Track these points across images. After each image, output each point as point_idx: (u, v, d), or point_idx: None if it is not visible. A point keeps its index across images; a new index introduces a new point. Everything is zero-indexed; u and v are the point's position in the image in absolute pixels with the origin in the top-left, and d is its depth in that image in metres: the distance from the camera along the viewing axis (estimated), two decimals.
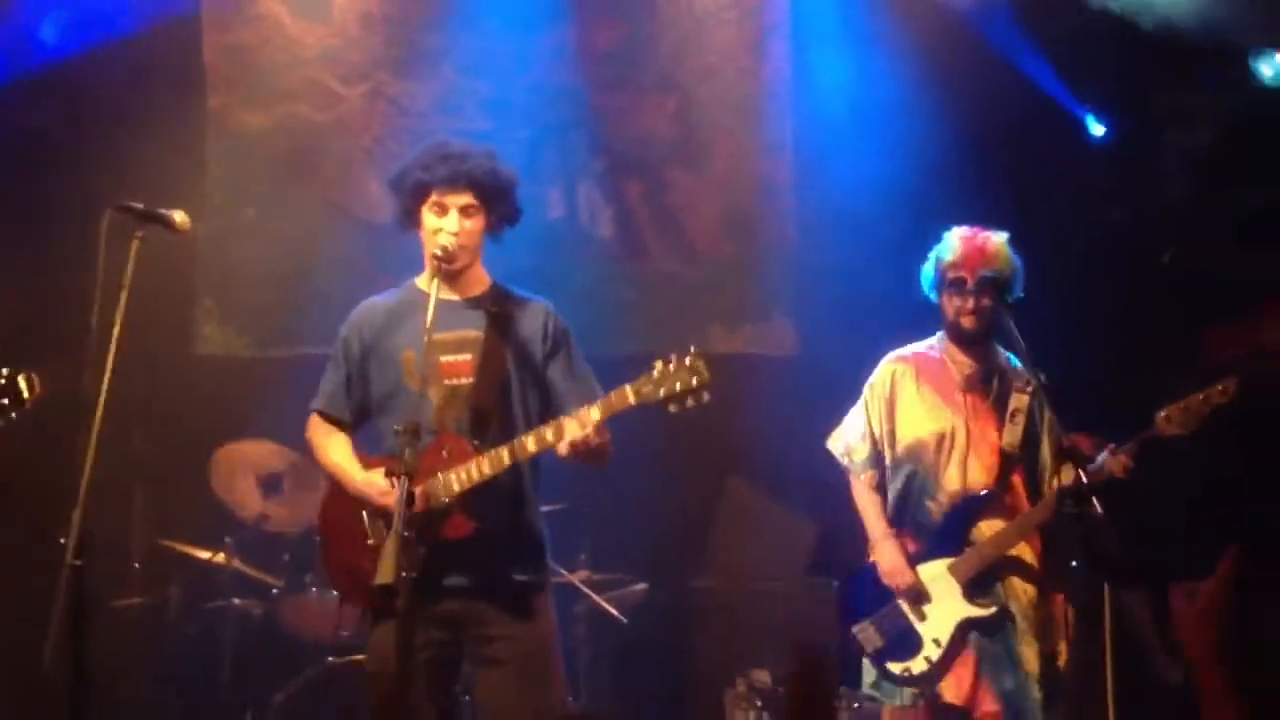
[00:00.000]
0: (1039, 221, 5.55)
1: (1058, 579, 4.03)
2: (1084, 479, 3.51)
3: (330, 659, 4.93)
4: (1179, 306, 5.69)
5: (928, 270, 4.18)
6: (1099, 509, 3.40)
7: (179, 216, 3.19)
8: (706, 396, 3.15)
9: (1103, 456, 3.89)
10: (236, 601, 5.19)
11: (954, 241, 4.13)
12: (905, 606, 4.05)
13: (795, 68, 6.19)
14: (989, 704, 3.95)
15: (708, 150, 6.25)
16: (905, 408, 4.16)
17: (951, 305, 4.11)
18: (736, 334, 6.14)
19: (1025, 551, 4.05)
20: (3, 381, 3.13)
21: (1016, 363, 4.14)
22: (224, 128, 6.13)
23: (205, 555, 5.18)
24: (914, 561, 4.06)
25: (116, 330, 2.95)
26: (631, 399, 3.19)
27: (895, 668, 4.02)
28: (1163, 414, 3.85)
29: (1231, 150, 5.57)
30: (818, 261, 5.95)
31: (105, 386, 2.91)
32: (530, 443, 3.31)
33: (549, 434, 3.29)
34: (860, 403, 4.27)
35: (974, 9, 5.91)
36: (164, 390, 5.56)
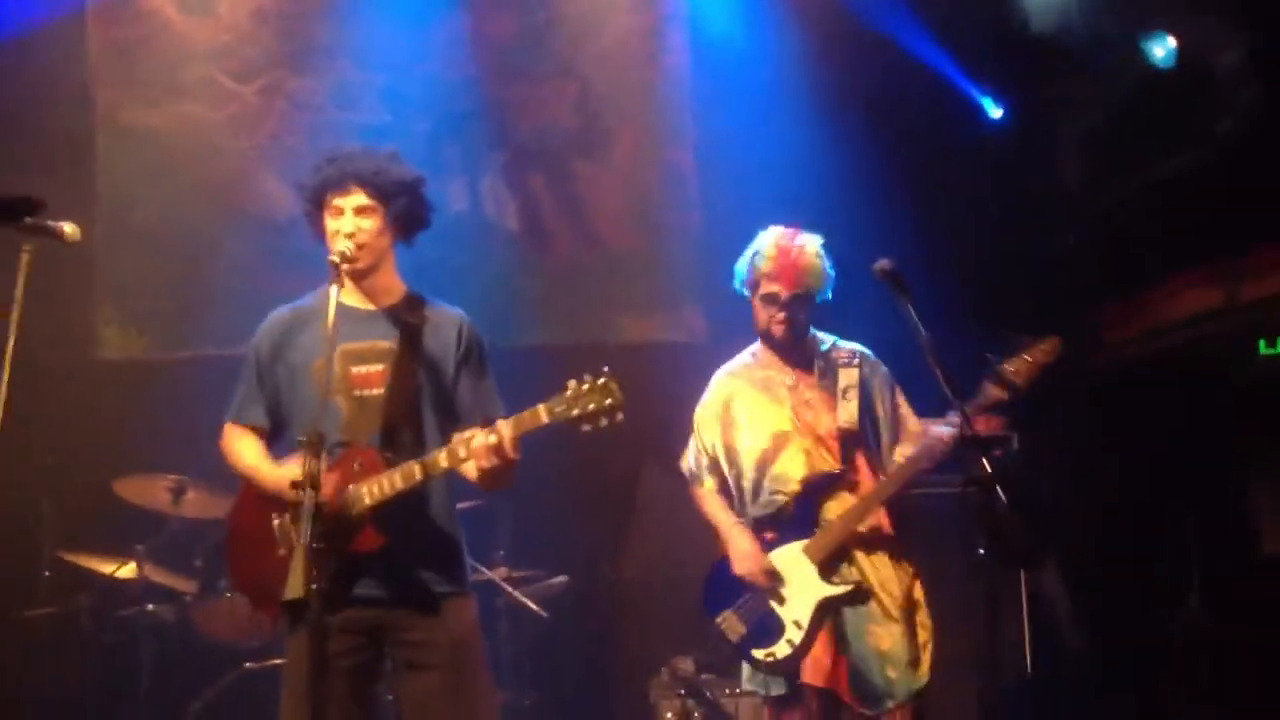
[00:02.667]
0: (938, 202, 5.65)
1: (909, 554, 4.10)
2: (988, 469, 3.56)
3: (247, 664, 4.87)
4: (1073, 287, 5.84)
5: (741, 268, 4.23)
6: (1004, 498, 3.46)
7: (69, 228, 3.10)
8: (620, 418, 3.14)
9: (944, 425, 3.94)
10: (150, 608, 5.09)
11: (769, 250, 4.16)
12: (763, 593, 4.08)
13: (694, 56, 6.21)
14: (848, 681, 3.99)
15: (610, 139, 6.26)
16: (741, 418, 4.21)
17: (765, 313, 4.18)
18: (647, 322, 6.17)
19: (877, 527, 4.09)
20: None
21: (837, 341, 4.22)
22: (114, 127, 6.00)
23: (112, 568, 5.08)
24: (770, 549, 4.11)
25: (10, 345, 2.87)
26: (544, 418, 3.18)
27: (759, 654, 4.05)
28: (1007, 367, 3.86)
29: (1125, 131, 5.70)
30: (724, 247, 5.96)
31: (1, 403, 2.83)
32: (443, 458, 3.26)
33: (461, 450, 3.24)
34: (695, 423, 4.32)
35: None
36: (67, 396, 5.42)
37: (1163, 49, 5.39)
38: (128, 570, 5.06)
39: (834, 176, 5.65)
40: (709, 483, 4.25)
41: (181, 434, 4.86)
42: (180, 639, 5.11)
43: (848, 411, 4.10)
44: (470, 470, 3.28)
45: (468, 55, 6.18)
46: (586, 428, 3.14)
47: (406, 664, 3.42)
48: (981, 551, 3.63)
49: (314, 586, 2.96)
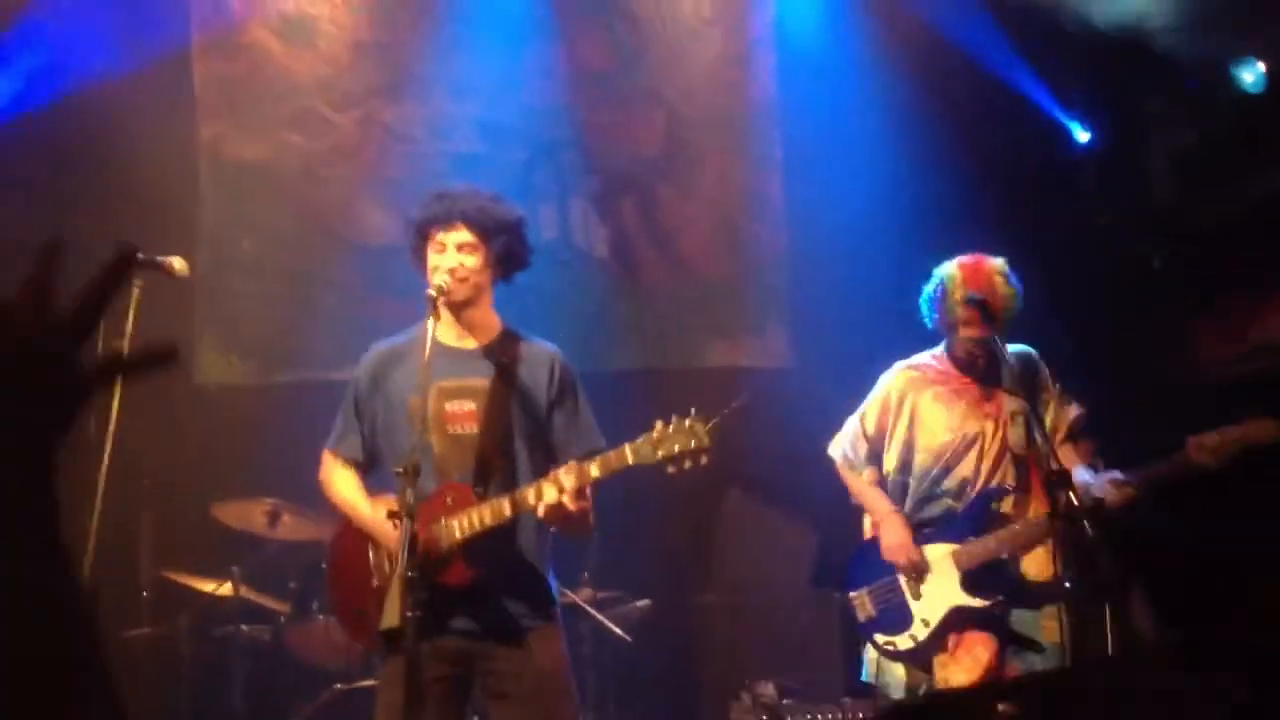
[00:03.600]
0: (1027, 228, 5.59)
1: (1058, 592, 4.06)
2: (1074, 502, 3.54)
3: (339, 685, 4.97)
4: (1169, 308, 5.73)
5: (929, 293, 4.22)
6: (1089, 531, 3.43)
7: (178, 263, 3.23)
8: (705, 460, 3.19)
9: (1103, 481, 3.91)
10: (244, 628, 5.22)
11: (960, 277, 4.13)
12: (903, 583, 4.12)
13: (781, 82, 6.23)
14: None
15: (697, 166, 6.30)
16: (922, 413, 4.23)
17: (958, 342, 4.15)
18: (734, 347, 6.19)
19: (1040, 563, 4.07)
20: None
21: (1012, 354, 4.20)
22: (218, 159, 6.17)
23: (210, 587, 5.21)
24: (919, 543, 4.13)
25: (118, 383, 2.99)
26: (630, 459, 3.22)
27: (881, 639, 4.11)
28: (1195, 441, 3.79)
29: (1215, 153, 5.61)
30: (810, 274, 6.00)
31: (111, 435, 2.96)
32: (530, 496, 3.32)
33: (547, 488, 3.30)
34: (864, 407, 4.33)
35: (955, 19, 5.95)
36: (168, 422, 5.59)
37: (1252, 74, 5.33)
38: (224, 589, 5.19)
39: (922, 201, 5.63)
40: (867, 473, 4.28)
41: (278, 458, 4.99)
42: (273, 659, 5.23)
43: (1016, 435, 4.13)
44: (541, 512, 3.33)
45: (559, 83, 6.27)
46: (672, 470, 3.19)
47: (494, 694, 3.48)
48: (1068, 584, 3.60)
49: (409, 615, 3.04)
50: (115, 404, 2.99)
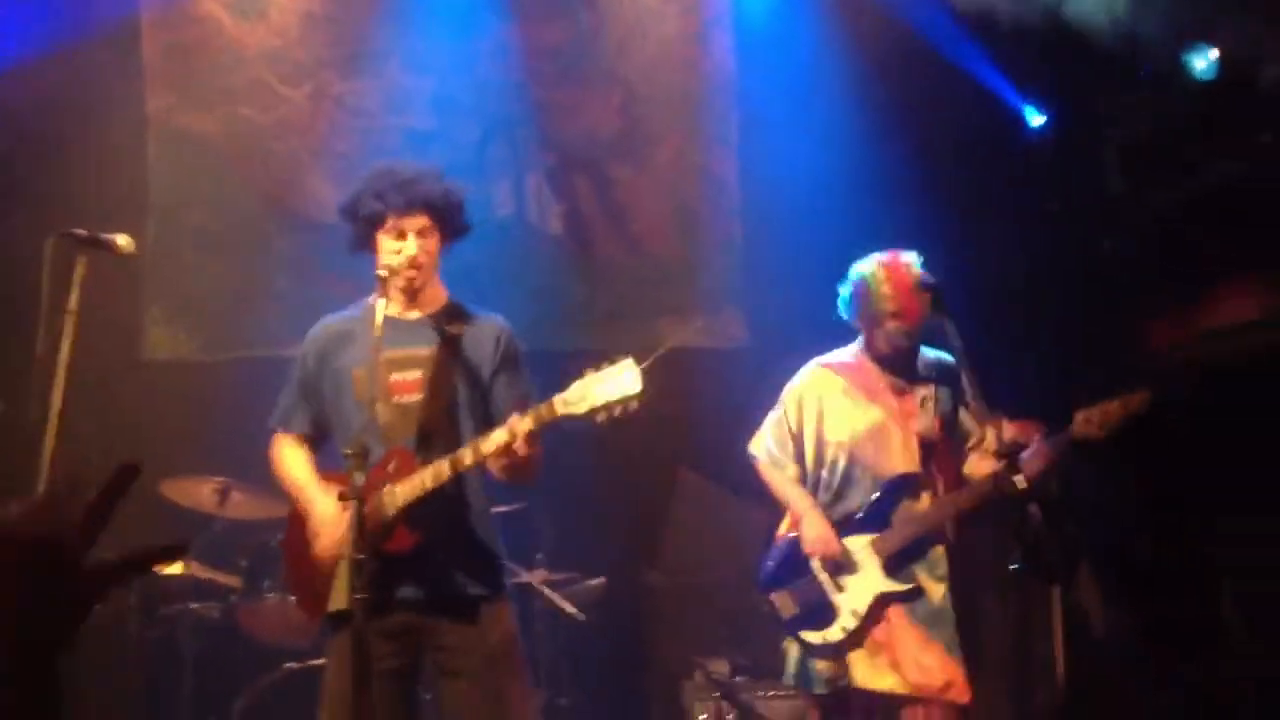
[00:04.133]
0: (979, 212, 5.64)
1: (969, 567, 4.16)
2: (1022, 485, 3.59)
3: (290, 664, 4.94)
4: (1118, 296, 5.80)
5: (846, 295, 4.26)
6: (1038, 515, 3.48)
7: (122, 240, 3.19)
8: (635, 405, 3.16)
9: (1025, 455, 3.99)
10: (194, 606, 5.17)
11: (882, 275, 4.17)
12: (824, 578, 4.15)
13: (738, 61, 6.23)
14: (956, 673, 4.04)
15: (653, 144, 6.29)
16: (833, 408, 4.28)
17: (888, 343, 4.20)
18: (686, 326, 6.18)
19: (938, 544, 4.18)
20: None
21: (924, 350, 4.26)
22: (166, 131, 6.07)
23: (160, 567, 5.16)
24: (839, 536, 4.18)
25: (64, 355, 2.95)
26: (557, 411, 3.20)
27: (812, 637, 4.13)
28: (1081, 415, 3.97)
29: (1167, 141, 5.67)
30: (765, 253, 6.01)
31: (56, 412, 2.91)
32: (467, 455, 3.30)
33: (484, 445, 3.28)
34: (781, 407, 4.37)
35: (910, 1, 5.97)
36: (115, 399, 5.52)
37: (1204, 60, 5.38)
38: (174, 568, 5.13)
39: (876, 184, 5.65)
40: (791, 470, 4.30)
41: (228, 435, 4.94)
42: (224, 637, 5.19)
43: (925, 421, 4.19)
44: (494, 465, 3.33)
45: (515, 60, 6.22)
46: (602, 418, 3.15)
47: (443, 670, 3.47)
48: (1015, 566, 3.66)
49: (357, 597, 3.03)
50: (60, 380, 2.94)
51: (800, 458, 4.31)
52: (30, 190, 5.37)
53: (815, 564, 4.17)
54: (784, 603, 4.20)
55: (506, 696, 3.46)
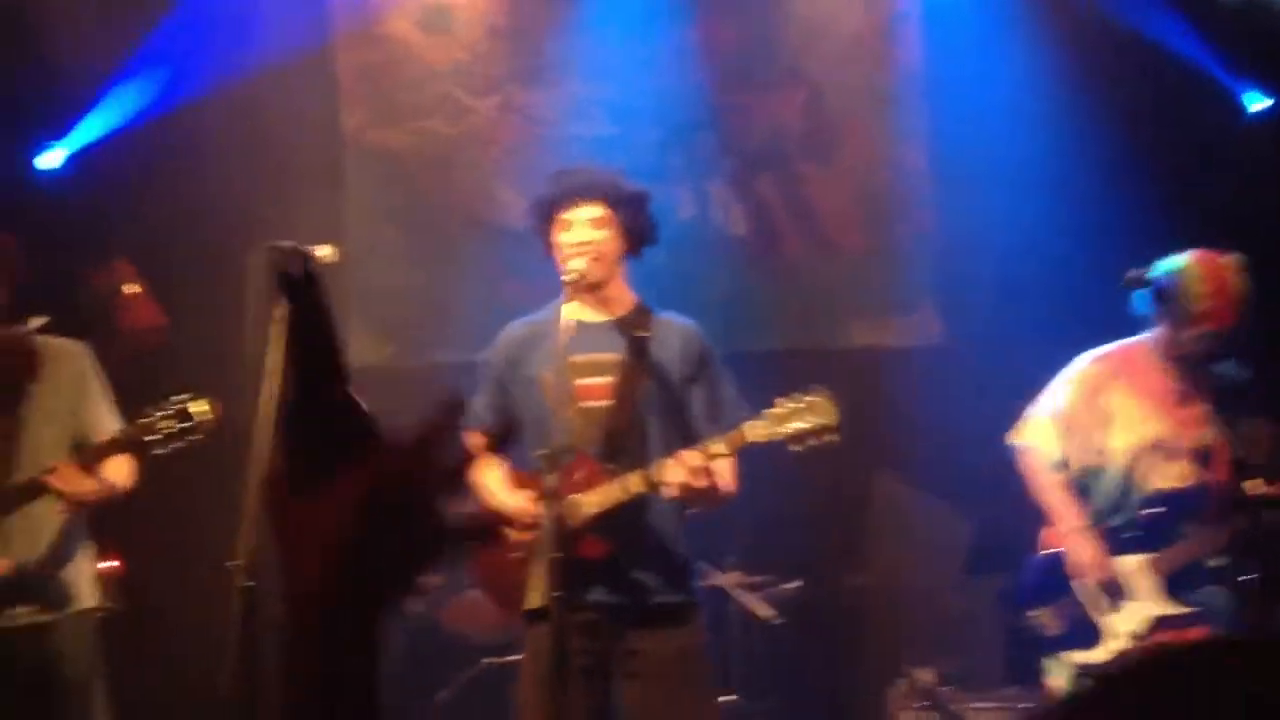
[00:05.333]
0: (1193, 201, 5.32)
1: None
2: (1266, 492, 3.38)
3: (488, 660, 5.01)
4: None
5: (1151, 290, 3.97)
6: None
7: (324, 251, 3.28)
8: (832, 438, 3.12)
9: None
10: None
11: (1198, 272, 3.90)
12: (1092, 598, 3.95)
13: (927, 52, 6.05)
14: None
15: (839, 141, 6.17)
16: (1111, 412, 4.05)
17: (1187, 337, 3.96)
18: (880, 326, 6.05)
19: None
20: (180, 407, 3.28)
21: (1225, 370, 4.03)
22: (360, 147, 6.27)
23: None
24: (1111, 554, 3.98)
25: (273, 361, 3.03)
26: (748, 437, 3.19)
27: (1079, 656, 3.94)
28: None
29: None
30: (960, 249, 5.81)
31: (268, 417, 2.99)
32: (657, 473, 3.33)
33: (672, 468, 3.30)
34: (1052, 399, 4.15)
35: None
36: None
37: None
38: None
39: (1077, 175, 5.41)
40: (1062, 475, 4.08)
41: None
42: (427, 631, 5.29)
43: (1206, 434, 3.95)
44: (667, 491, 3.31)
45: (694, 64, 6.20)
46: (796, 448, 3.13)
47: (629, 673, 3.46)
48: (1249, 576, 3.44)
49: (554, 595, 3.05)
50: (271, 386, 3.02)
51: (1065, 462, 4.09)
52: (235, 208, 5.59)
53: (1081, 584, 3.99)
54: (1048, 620, 4.02)
55: (692, 704, 3.43)
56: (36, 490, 3.46)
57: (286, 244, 3.24)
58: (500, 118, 6.28)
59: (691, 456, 3.25)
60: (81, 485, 3.42)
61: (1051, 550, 4.07)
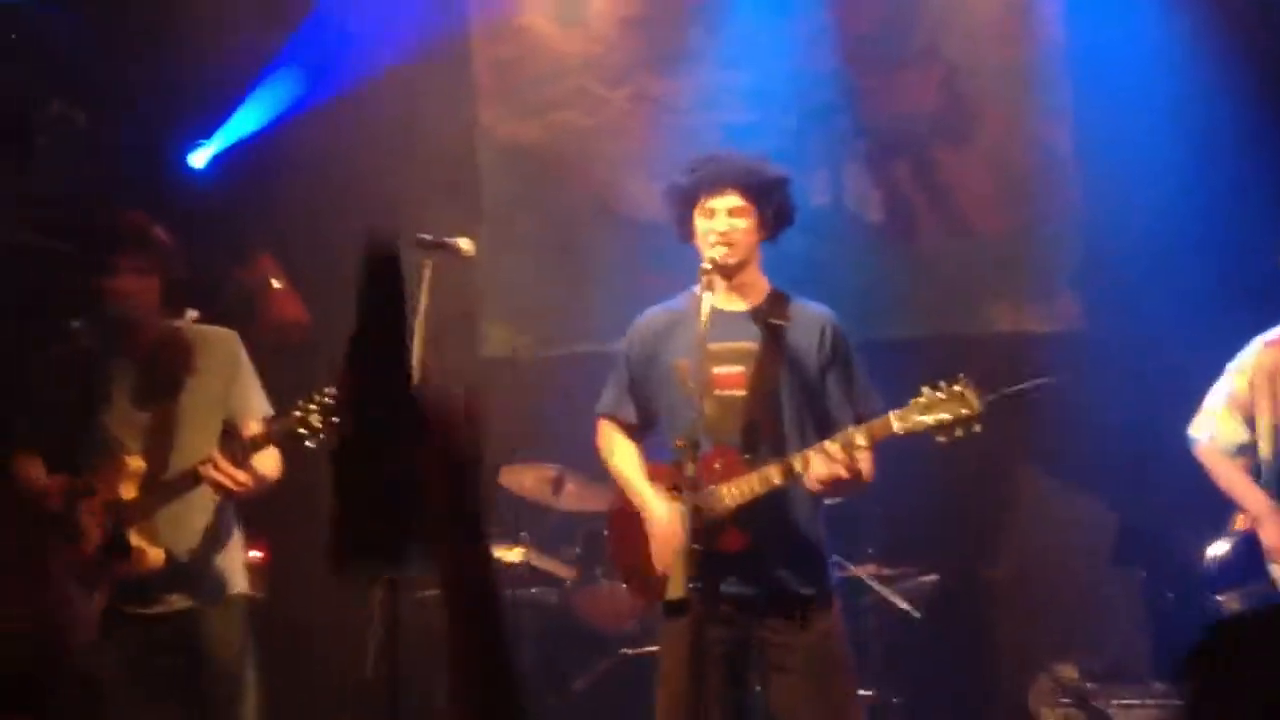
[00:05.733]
0: None
1: None
2: None
3: (625, 650, 5.05)
4: None
5: None
6: None
7: (464, 243, 3.34)
8: (977, 428, 3.07)
9: None
10: (534, 591, 5.38)
11: None
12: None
13: (1070, 28, 5.86)
14: None
15: (978, 122, 6.02)
16: None
17: None
18: (1019, 311, 5.90)
19: None
20: (329, 401, 3.36)
21: None
22: (495, 141, 6.36)
23: (500, 553, 5.40)
24: None
25: (415, 354, 3.09)
26: (895, 426, 3.15)
27: None
28: None
29: None
30: (1104, 232, 5.62)
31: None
32: (797, 464, 3.29)
33: (815, 459, 3.27)
34: (1226, 386, 4.03)
35: None
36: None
37: None
38: (514, 554, 5.36)
39: (1227, 151, 5.18)
40: (1241, 461, 4.00)
41: (560, 427, 5.09)
42: (560, 623, 5.38)
43: None
44: (811, 482, 3.29)
45: (830, 47, 6.11)
46: (942, 439, 3.09)
47: (771, 665, 3.45)
48: None
49: (692, 586, 3.05)
50: (415, 372, 3.08)
51: (1253, 446, 3.97)
52: (375, 202, 5.73)
53: (1276, 569, 3.86)
54: (1236, 604, 3.92)
55: (834, 695, 3.42)
56: (192, 481, 3.58)
57: (427, 236, 3.31)
58: (633, 108, 6.30)
59: (834, 447, 3.22)
60: (234, 477, 3.52)
61: (1240, 532, 3.95)
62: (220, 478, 3.50)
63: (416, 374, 3.05)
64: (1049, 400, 5.20)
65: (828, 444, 3.26)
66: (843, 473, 3.22)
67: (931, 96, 6.05)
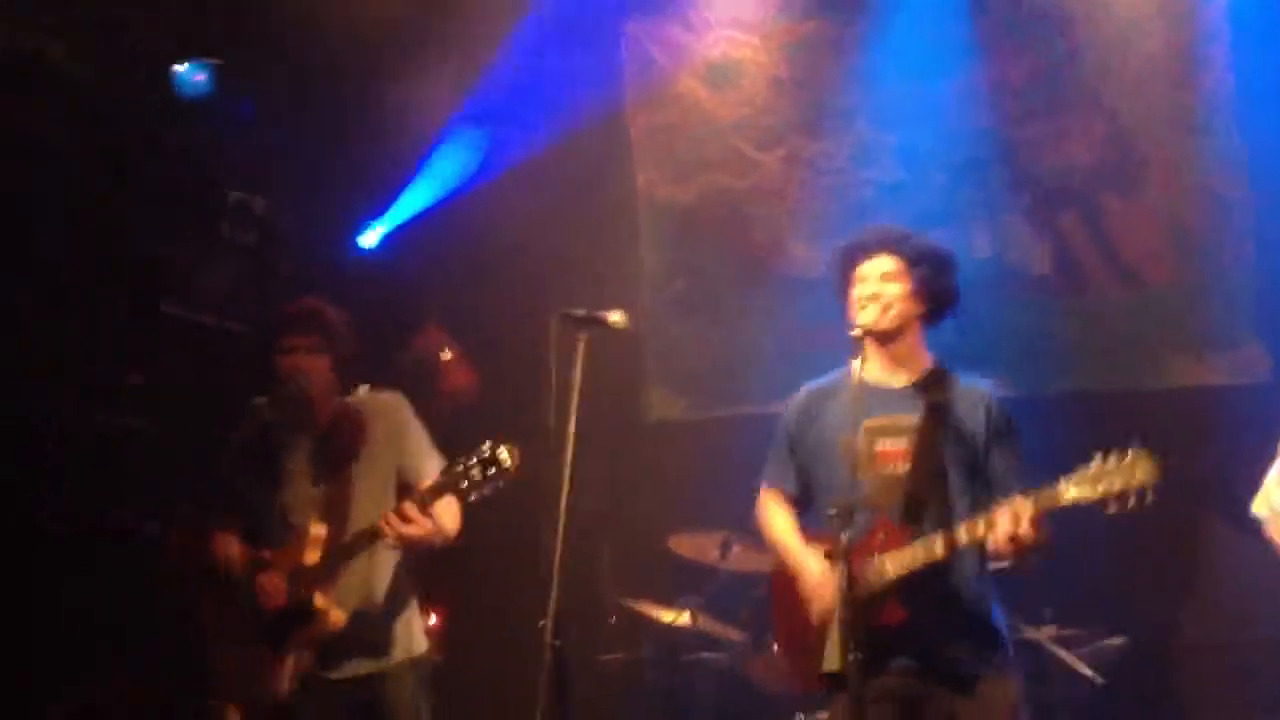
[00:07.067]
0: None
1: None
2: None
3: (799, 715, 4.98)
4: None
5: None
6: None
7: (615, 317, 3.37)
8: (1150, 498, 2.94)
9: None
10: (705, 655, 5.36)
11: None
12: None
13: (1237, 71, 5.67)
14: None
15: (1144, 168, 5.86)
16: None
17: None
18: (1198, 363, 5.68)
19: None
20: (487, 454, 3.45)
21: None
22: (652, 204, 6.47)
23: (669, 617, 5.41)
24: None
25: (572, 428, 3.15)
26: (1065, 497, 3.05)
27: None
28: None
29: None
30: None
31: (568, 472, 3.11)
32: (962, 533, 3.23)
33: (981, 526, 3.20)
34: None
35: None
36: (621, 458, 5.84)
37: None
38: (683, 619, 5.35)
39: None
40: None
41: (726, 489, 5.07)
42: (734, 687, 5.33)
43: None
44: (994, 546, 3.21)
45: (982, 102, 6.05)
46: (1113, 510, 2.98)
47: None
48: None
49: (851, 658, 3.00)
50: (570, 444, 3.14)
51: None
52: (537, 269, 5.87)
53: None
54: None
55: None
56: (371, 537, 3.68)
57: (580, 311, 3.37)
58: (786, 169, 6.33)
59: (1010, 513, 3.15)
60: (412, 527, 3.62)
61: None
62: (401, 527, 3.60)
63: (571, 446, 3.14)
64: (1235, 454, 4.98)
65: (997, 514, 3.17)
66: (1025, 533, 3.12)
67: (1094, 145, 5.92)
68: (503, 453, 3.45)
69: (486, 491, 3.50)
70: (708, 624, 5.35)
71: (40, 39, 5.13)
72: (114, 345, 5.37)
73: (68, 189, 5.21)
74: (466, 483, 3.49)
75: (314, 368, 3.85)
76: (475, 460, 3.48)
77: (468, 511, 3.76)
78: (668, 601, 5.45)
